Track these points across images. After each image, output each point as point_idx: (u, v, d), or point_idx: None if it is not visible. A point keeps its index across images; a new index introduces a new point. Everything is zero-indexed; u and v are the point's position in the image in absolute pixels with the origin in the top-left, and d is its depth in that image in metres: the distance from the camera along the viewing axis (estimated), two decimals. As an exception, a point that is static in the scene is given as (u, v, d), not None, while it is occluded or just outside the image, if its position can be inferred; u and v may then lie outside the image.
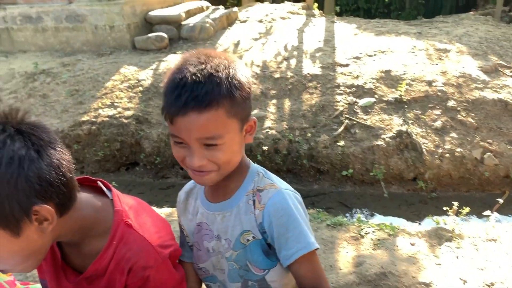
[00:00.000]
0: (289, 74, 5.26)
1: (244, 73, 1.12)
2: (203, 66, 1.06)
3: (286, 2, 9.03)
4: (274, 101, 4.98)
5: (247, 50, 6.12)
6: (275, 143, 4.51)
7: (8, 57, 6.97)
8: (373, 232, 2.92)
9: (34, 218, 0.98)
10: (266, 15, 7.72)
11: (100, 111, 5.13)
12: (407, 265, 2.55)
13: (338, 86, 4.99)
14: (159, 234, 1.19)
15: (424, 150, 4.22)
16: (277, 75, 5.27)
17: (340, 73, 5.20)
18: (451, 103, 4.59)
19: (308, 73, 5.22)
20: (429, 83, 4.83)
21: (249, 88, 1.12)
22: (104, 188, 1.22)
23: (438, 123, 4.43)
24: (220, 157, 1.09)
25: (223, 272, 1.24)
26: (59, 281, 1.20)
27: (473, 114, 4.49)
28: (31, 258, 1.05)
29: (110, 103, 5.23)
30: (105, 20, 6.70)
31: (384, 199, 4.20)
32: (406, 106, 4.63)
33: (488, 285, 2.36)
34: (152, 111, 5.07)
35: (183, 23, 6.98)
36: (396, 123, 4.44)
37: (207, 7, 8.03)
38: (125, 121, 4.98)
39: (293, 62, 5.55)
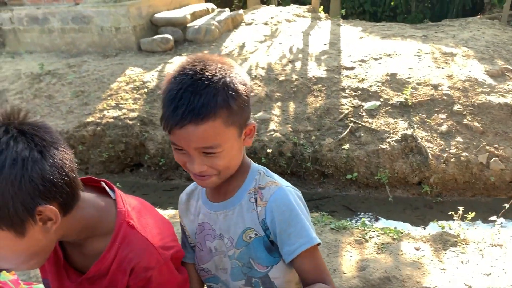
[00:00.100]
0: (294, 76, 5.25)
1: (241, 79, 1.12)
2: (200, 76, 1.06)
3: (291, 5, 9.04)
4: (279, 103, 4.97)
5: (252, 52, 6.12)
6: (280, 145, 4.50)
7: (15, 57, 7.01)
8: (377, 236, 2.90)
9: (38, 218, 0.98)
10: (272, 17, 7.73)
11: (105, 112, 5.14)
12: (411, 269, 2.53)
13: (343, 89, 4.97)
14: (161, 235, 1.19)
15: (429, 154, 4.19)
16: (282, 78, 5.27)
17: (346, 76, 5.18)
18: (457, 107, 4.57)
19: (313, 76, 5.21)
20: (435, 87, 4.81)
21: (247, 95, 1.13)
22: (107, 189, 1.22)
23: (443, 127, 4.41)
24: (220, 164, 1.12)
25: (226, 272, 1.25)
26: (61, 281, 1.20)
27: (479, 119, 4.46)
28: (36, 257, 1.05)
29: (115, 105, 5.24)
30: (111, 22, 6.73)
31: (389, 203, 4.18)
32: (411, 109, 4.61)
33: (493, 291, 2.34)
34: (157, 113, 5.07)
35: (188, 25, 6.99)
36: (401, 126, 4.42)
37: (213, 10, 8.04)
38: (130, 122, 4.99)
39: (298, 64, 5.54)
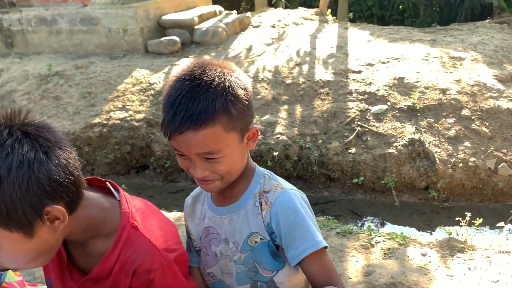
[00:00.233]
0: (301, 80, 5.24)
1: (241, 84, 1.11)
2: (198, 81, 1.06)
3: (299, 7, 9.03)
4: (285, 106, 4.96)
5: (259, 55, 6.12)
6: (286, 149, 4.49)
7: (23, 58, 7.06)
8: (384, 241, 2.88)
9: (46, 218, 0.99)
10: (279, 20, 7.72)
11: (112, 113, 5.15)
12: (417, 275, 2.50)
13: (350, 93, 4.96)
14: (165, 237, 1.19)
15: (436, 159, 4.16)
16: (289, 81, 5.26)
17: (353, 79, 5.16)
18: (465, 111, 4.53)
19: (320, 79, 5.20)
20: (443, 91, 4.78)
21: (247, 99, 1.12)
22: (112, 189, 1.22)
23: (451, 132, 4.37)
24: (221, 169, 1.12)
25: (231, 276, 1.24)
26: (64, 281, 1.20)
27: (487, 123, 4.42)
28: (43, 256, 1.06)
29: (121, 106, 5.26)
30: (119, 24, 6.76)
31: (395, 207, 4.15)
32: (419, 114, 4.58)
33: (501, 299, 2.31)
34: (163, 115, 5.08)
35: (196, 27, 7.00)
36: (408, 131, 4.40)
37: (220, 12, 8.06)
38: (136, 124, 5.00)
39: (305, 68, 5.53)
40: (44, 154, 0.97)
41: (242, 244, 1.20)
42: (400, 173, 4.20)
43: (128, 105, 5.25)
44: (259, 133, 1.23)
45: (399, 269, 2.56)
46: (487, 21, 8.34)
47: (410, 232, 3.70)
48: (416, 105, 4.62)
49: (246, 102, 1.11)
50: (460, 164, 4.14)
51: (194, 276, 1.30)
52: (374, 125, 4.52)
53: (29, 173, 0.94)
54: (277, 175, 1.27)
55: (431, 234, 3.76)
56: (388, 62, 5.48)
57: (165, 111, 1.08)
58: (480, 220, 3.12)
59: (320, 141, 4.49)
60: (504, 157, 4.15)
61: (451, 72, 5.14)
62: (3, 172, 0.92)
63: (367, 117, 4.63)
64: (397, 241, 2.87)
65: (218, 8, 8.13)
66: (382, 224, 4.00)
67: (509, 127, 4.40)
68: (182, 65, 5.90)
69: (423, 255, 2.71)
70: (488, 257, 2.67)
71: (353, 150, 4.34)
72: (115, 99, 5.38)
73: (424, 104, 4.64)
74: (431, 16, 11.10)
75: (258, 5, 9.59)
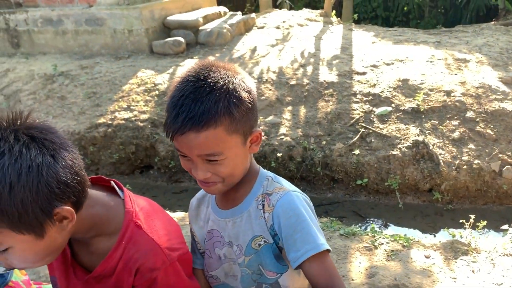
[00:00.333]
0: (305, 81, 5.24)
1: (245, 86, 1.11)
2: (202, 83, 1.06)
3: (304, 9, 9.04)
4: (289, 108, 4.97)
5: (264, 56, 6.13)
6: (290, 150, 4.49)
7: (29, 58, 7.09)
8: (387, 243, 2.87)
9: (55, 219, 1.01)
10: (284, 21, 7.73)
11: (117, 114, 5.17)
12: (421, 277, 2.50)
13: (354, 94, 4.95)
14: (168, 236, 1.20)
15: (441, 161, 4.15)
16: (293, 82, 5.26)
17: (357, 81, 5.16)
18: (469, 114, 4.52)
19: (325, 81, 5.20)
20: (448, 93, 4.77)
21: (251, 102, 1.12)
22: (116, 188, 1.23)
23: (455, 134, 4.36)
24: (223, 171, 1.12)
25: (236, 279, 1.24)
26: (68, 278, 1.22)
27: (492, 126, 4.41)
28: (51, 255, 1.08)
29: (126, 106, 5.28)
30: (124, 24, 6.78)
31: (399, 209, 4.14)
32: (423, 116, 4.58)
33: (505, 301, 2.30)
34: (168, 115, 5.09)
35: (200, 28, 7.02)
36: (412, 133, 4.39)
37: (225, 13, 8.07)
38: (141, 124, 5.02)
39: (309, 69, 5.53)
40: (51, 157, 0.99)
41: (246, 247, 1.19)
42: (404, 175, 4.20)
43: (133, 106, 5.27)
44: (263, 136, 1.23)
45: (403, 271, 2.56)
46: (492, 23, 8.32)
47: (413, 234, 3.70)
48: (420, 107, 4.61)
49: (250, 105, 1.11)
50: (464, 166, 4.13)
51: (198, 278, 1.30)
52: (378, 127, 4.52)
53: (39, 177, 0.96)
54: (281, 176, 1.26)
55: (435, 236, 3.75)
56: (393, 63, 5.48)
57: (168, 111, 1.09)
58: (484, 223, 3.11)
59: (324, 142, 4.50)
60: (509, 160, 4.13)
61: (455, 74, 5.13)
62: (14, 178, 0.94)
63: (371, 118, 4.62)
64: (400, 243, 2.86)
65: (222, 9, 8.14)
66: (386, 226, 4.00)
67: (514, 129, 4.39)
68: (187, 66, 5.93)
69: (427, 257, 2.71)
70: (492, 259, 2.66)
71: (357, 151, 4.34)
72: (120, 99, 5.41)
73: (429, 106, 4.64)
74: (436, 18, 11.07)
75: (262, 6, 9.59)
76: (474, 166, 4.11)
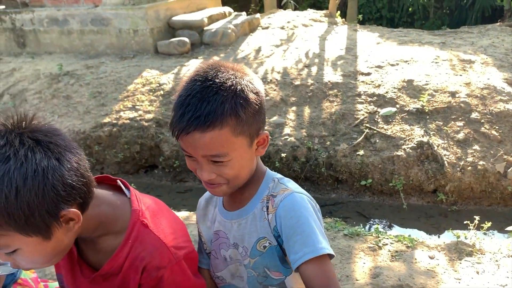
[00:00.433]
0: (310, 81, 5.24)
1: (253, 88, 1.10)
2: (210, 82, 1.05)
3: (308, 9, 9.04)
4: (293, 108, 4.97)
5: (268, 56, 6.13)
6: (294, 150, 4.49)
7: (34, 58, 7.13)
8: (391, 243, 2.87)
9: (62, 220, 1.02)
10: (288, 22, 7.73)
11: (122, 113, 5.19)
12: (425, 278, 2.49)
13: (359, 95, 4.95)
14: (174, 235, 1.20)
15: (445, 162, 4.14)
16: (297, 82, 5.26)
17: (362, 81, 5.16)
18: (474, 115, 4.51)
19: (329, 81, 5.20)
20: (452, 94, 4.76)
21: (258, 104, 1.10)
22: (123, 187, 1.23)
23: (460, 135, 4.36)
24: (228, 173, 1.11)
25: (242, 280, 1.24)
26: (74, 276, 1.22)
27: (497, 127, 4.40)
28: (58, 255, 1.10)
29: (131, 106, 5.30)
30: (129, 24, 6.81)
31: (403, 210, 4.14)
32: (428, 116, 4.57)
33: (509, 303, 2.30)
34: (172, 115, 5.10)
35: (205, 28, 7.03)
36: (417, 133, 4.38)
37: (230, 13, 8.08)
38: (146, 124, 5.03)
39: (314, 69, 5.53)
40: (56, 160, 1.00)
41: (251, 249, 1.18)
42: (408, 176, 4.19)
43: (138, 105, 5.29)
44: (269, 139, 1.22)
45: (407, 271, 2.56)
46: (498, 24, 8.29)
47: (417, 235, 3.69)
48: (425, 107, 4.61)
49: (257, 107, 1.09)
50: (469, 168, 4.12)
51: (204, 277, 1.30)
52: (382, 128, 4.52)
53: (44, 181, 0.96)
54: (285, 177, 1.25)
55: (439, 237, 3.75)
56: (397, 64, 5.47)
57: (175, 110, 1.08)
58: (489, 224, 3.11)
59: (328, 142, 4.50)
60: (514, 161, 4.12)
61: (460, 75, 5.12)
62: (19, 182, 0.94)
63: (375, 119, 4.62)
64: (404, 244, 2.86)
65: (227, 9, 8.15)
66: (390, 227, 3.99)
67: (519, 130, 4.37)
68: (192, 65, 5.95)
69: (431, 258, 2.71)
70: (496, 261, 2.66)
71: (361, 152, 4.34)
72: (125, 99, 5.43)
73: (433, 107, 4.63)
74: (441, 19, 11.05)
75: (267, 6, 9.60)
76: (479, 167, 4.10)
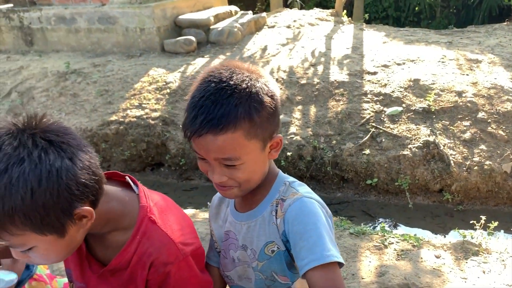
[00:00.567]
0: (316, 80, 5.24)
1: (268, 90, 1.08)
2: (224, 84, 1.03)
3: (314, 8, 9.03)
4: (299, 107, 4.97)
5: (274, 55, 6.14)
6: (299, 149, 4.50)
7: (42, 56, 7.18)
8: (397, 242, 2.87)
9: (75, 218, 1.04)
10: (294, 21, 7.73)
11: (128, 111, 5.22)
12: (431, 277, 2.49)
13: (365, 94, 4.94)
14: (182, 231, 1.21)
15: (451, 161, 4.13)
16: (303, 81, 5.27)
17: (368, 81, 5.15)
18: (481, 114, 4.49)
19: (335, 80, 5.20)
20: (459, 94, 4.74)
21: (273, 107, 1.08)
22: (131, 183, 1.24)
23: (467, 135, 4.34)
24: (240, 176, 1.09)
25: (250, 281, 1.23)
26: (83, 271, 1.24)
27: (503, 127, 4.38)
28: (70, 251, 1.11)
29: (138, 104, 5.32)
30: (136, 23, 6.83)
31: (409, 209, 4.13)
32: (434, 116, 4.56)
33: (515, 302, 2.29)
34: (179, 113, 5.13)
35: (211, 27, 7.05)
36: (423, 133, 4.37)
37: (236, 12, 8.09)
38: (152, 122, 5.05)
39: (320, 68, 5.53)
40: (69, 160, 1.01)
41: (259, 253, 1.17)
42: (414, 175, 4.19)
43: (144, 104, 5.32)
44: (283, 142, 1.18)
45: (413, 270, 2.56)
46: (505, 23, 8.24)
47: (423, 234, 3.69)
48: (431, 107, 4.59)
49: (272, 110, 1.07)
50: (476, 167, 4.10)
51: (212, 275, 1.29)
52: (388, 127, 4.51)
53: (58, 181, 0.97)
54: (290, 175, 1.24)
55: (445, 237, 3.74)
56: (404, 63, 5.46)
57: (187, 111, 1.06)
58: (495, 224, 3.10)
59: (334, 141, 4.50)
60: (521, 161, 4.10)
61: (467, 75, 5.10)
62: (34, 184, 0.95)
63: (381, 118, 4.61)
64: (410, 243, 2.86)
65: (233, 8, 8.16)
66: (395, 226, 3.99)
67: (526, 130, 4.35)
68: (199, 64, 5.96)
69: (437, 257, 2.70)
70: (503, 260, 2.65)
71: (367, 151, 4.34)
72: (132, 97, 5.45)
73: (440, 107, 4.62)
74: (447, 18, 11.00)
75: (273, 5, 9.60)
76: (485, 167, 4.09)
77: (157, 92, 5.48)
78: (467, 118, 4.50)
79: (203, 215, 3.53)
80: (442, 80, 4.97)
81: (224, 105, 1.01)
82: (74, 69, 6.29)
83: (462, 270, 2.57)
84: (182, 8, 7.34)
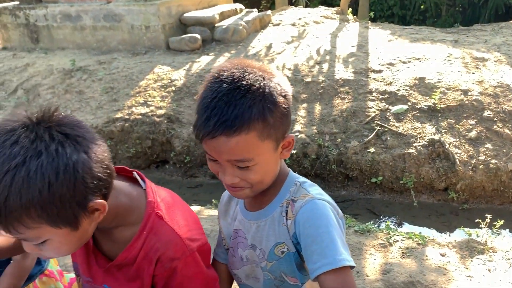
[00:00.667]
0: (321, 78, 5.24)
1: (282, 90, 1.06)
2: (236, 85, 1.01)
3: (319, 6, 9.01)
4: (304, 105, 4.97)
5: (279, 53, 6.13)
6: (304, 147, 4.50)
7: (48, 53, 7.20)
8: (402, 240, 2.87)
9: (88, 211, 1.04)
10: (299, 18, 7.72)
11: (133, 109, 5.23)
12: (436, 275, 2.49)
13: (370, 92, 4.93)
14: (188, 227, 1.21)
15: (457, 160, 4.12)
16: (308, 79, 5.26)
17: (373, 79, 5.14)
18: (487, 113, 4.48)
19: (340, 78, 5.19)
20: (465, 92, 4.72)
21: (286, 107, 1.06)
22: (139, 179, 1.25)
23: (472, 133, 4.33)
24: (252, 177, 1.07)
25: (258, 281, 1.22)
26: (89, 265, 1.24)
27: (509, 125, 4.36)
28: (79, 244, 1.12)
29: (143, 102, 5.33)
30: (141, 20, 6.84)
31: (414, 208, 4.12)
32: (439, 114, 4.54)
33: (521, 301, 2.29)
34: (184, 111, 5.14)
35: (216, 25, 7.05)
36: (428, 131, 4.36)
37: (241, 10, 8.09)
38: (157, 119, 5.07)
39: (325, 66, 5.52)
40: (84, 153, 1.01)
41: (269, 253, 1.16)
42: (419, 174, 4.18)
43: (150, 101, 5.33)
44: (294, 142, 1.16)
45: (418, 268, 2.56)
46: (512, 21, 8.19)
47: (428, 232, 3.68)
48: (437, 105, 4.58)
49: (285, 110, 1.06)
50: (481, 166, 4.09)
51: (219, 272, 1.29)
52: (394, 125, 4.50)
53: (75, 175, 0.98)
54: (295, 173, 1.23)
55: (450, 235, 3.73)
56: (409, 62, 5.44)
57: (199, 113, 1.03)
58: (501, 222, 3.09)
59: (339, 140, 4.49)
60: (527, 160, 4.09)
61: (473, 73, 5.08)
62: (52, 177, 0.96)
63: (387, 116, 4.60)
64: (415, 241, 2.86)
65: (238, 6, 8.16)
66: (400, 224, 3.99)
67: (532, 129, 4.33)
68: (203, 62, 5.96)
69: (442, 255, 2.70)
70: (508, 259, 2.65)
71: (372, 149, 4.33)
72: (137, 95, 5.47)
73: (445, 105, 4.60)
74: (453, 17, 10.94)
75: (278, 3, 9.59)
76: (491, 165, 4.08)
77: (162, 89, 5.49)
78: (472, 117, 4.48)
79: (208, 212, 3.54)
80: (448, 79, 4.96)
81: (237, 106, 0.99)
82: (80, 66, 6.31)
83: (467, 269, 2.56)
84: (187, 5, 7.35)
